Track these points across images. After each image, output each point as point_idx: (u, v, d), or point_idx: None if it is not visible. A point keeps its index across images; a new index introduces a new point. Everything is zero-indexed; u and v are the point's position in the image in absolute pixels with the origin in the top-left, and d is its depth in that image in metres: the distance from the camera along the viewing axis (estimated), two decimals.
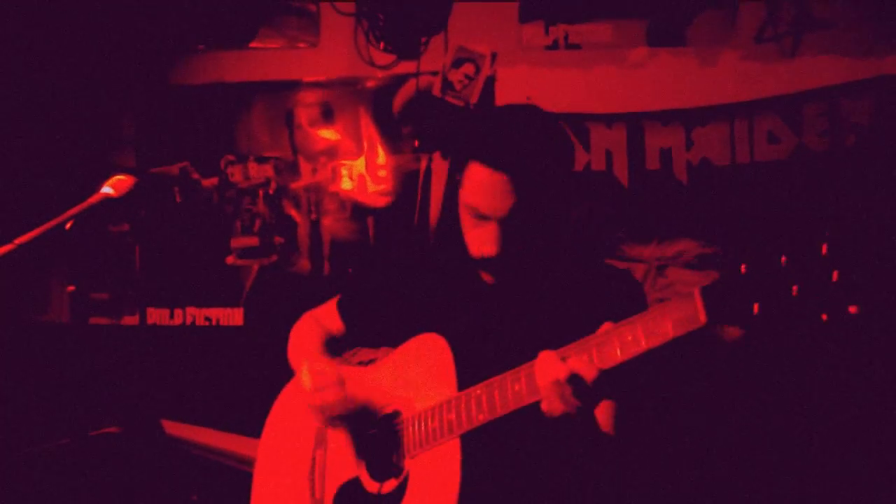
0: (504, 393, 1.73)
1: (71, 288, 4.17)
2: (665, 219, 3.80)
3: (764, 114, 3.76)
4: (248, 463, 2.51)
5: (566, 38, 3.98)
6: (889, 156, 3.59)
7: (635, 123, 3.87)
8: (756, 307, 1.42)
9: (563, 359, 1.64)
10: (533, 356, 1.68)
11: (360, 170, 4.07)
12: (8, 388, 3.78)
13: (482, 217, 1.84)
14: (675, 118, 3.84)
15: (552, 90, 3.93)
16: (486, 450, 1.80)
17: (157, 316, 4.18)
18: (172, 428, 3.47)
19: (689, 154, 3.84)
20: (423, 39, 3.98)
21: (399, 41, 4.00)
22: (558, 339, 1.67)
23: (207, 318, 4.15)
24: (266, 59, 4.21)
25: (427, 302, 2.03)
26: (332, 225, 4.10)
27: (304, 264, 4.12)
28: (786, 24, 3.78)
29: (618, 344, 1.59)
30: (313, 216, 4.12)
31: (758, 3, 3.81)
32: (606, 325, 1.63)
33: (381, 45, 4.02)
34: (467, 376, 1.81)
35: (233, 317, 4.14)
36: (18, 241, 1.86)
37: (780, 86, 3.75)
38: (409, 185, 4.02)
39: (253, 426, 2.34)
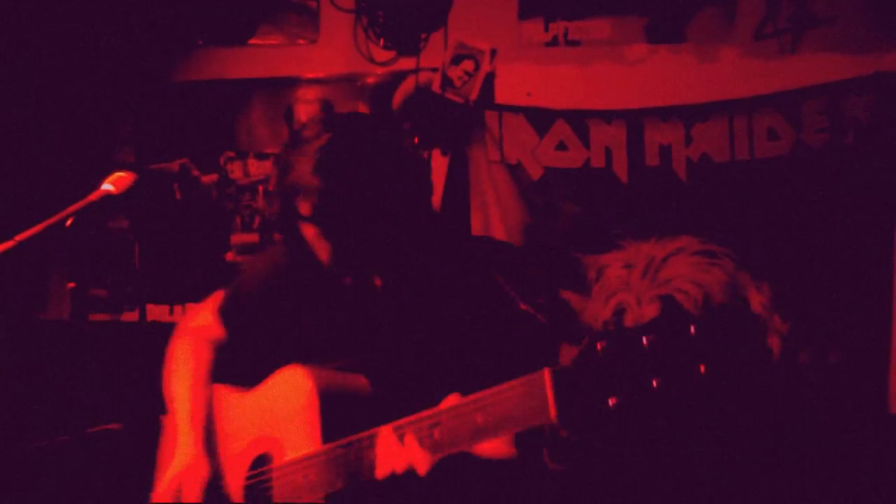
0: (356, 459, 1.60)
1: (71, 284, 4.18)
2: (664, 215, 3.80)
3: (763, 110, 3.75)
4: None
5: (566, 34, 3.98)
6: (888, 153, 3.59)
7: (635, 120, 3.87)
8: (611, 401, 1.28)
9: (401, 437, 1.51)
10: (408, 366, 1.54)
11: None
12: (8, 385, 3.78)
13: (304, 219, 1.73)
14: (674, 115, 3.84)
15: (551, 87, 3.93)
16: None
17: (156, 312, 4.18)
18: None
19: (688, 150, 3.83)
20: (423, 36, 3.98)
21: (398, 37, 4.00)
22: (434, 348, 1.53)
23: None
24: (266, 55, 4.21)
25: (314, 308, 1.90)
26: None
27: None
28: (785, 21, 3.78)
29: (464, 430, 1.44)
30: None
31: (757, 0, 3.80)
32: (452, 398, 1.48)
33: (381, 41, 4.02)
34: (335, 414, 1.67)
35: None
36: (19, 237, 1.86)
37: (780, 82, 3.75)
38: None
39: None
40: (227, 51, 4.21)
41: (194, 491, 1.89)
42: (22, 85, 4.07)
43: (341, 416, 1.64)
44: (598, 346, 1.29)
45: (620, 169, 3.88)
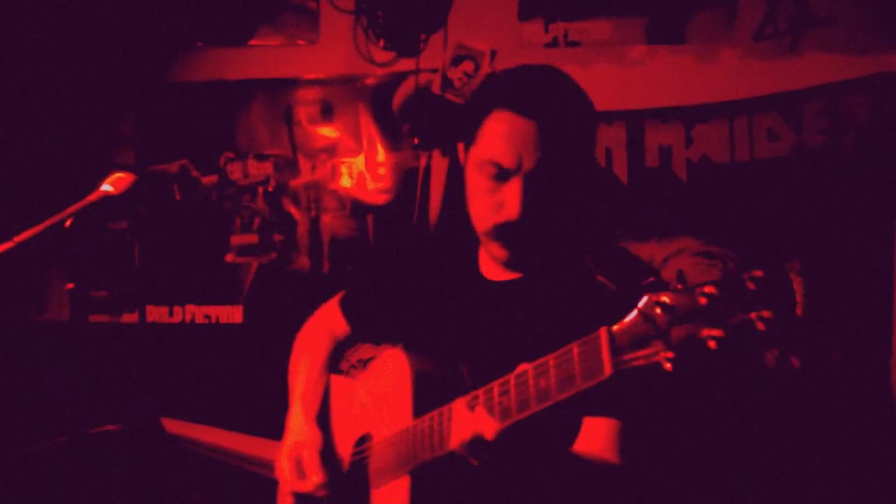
0: (435, 432, 1.64)
1: (70, 286, 4.16)
2: (664, 216, 3.80)
3: (763, 111, 3.75)
4: (249, 461, 2.53)
5: (565, 35, 3.98)
6: (888, 153, 3.59)
7: (635, 121, 3.87)
8: (668, 362, 1.29)
9: (472, 407, 1.55)
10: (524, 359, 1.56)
11: (360, 167, 4.07)
12: (7, 387, 3.78)
13: (503, 174, 1.70)
14: (674, 116, 3.84)
15: None
16: (438, 488, 1.70)
17: (156, 314, 4.18)
18: (172, 426, 3.47)
19: (688, 151, 3.84)
20: (423, 37, 3.98)
21: (398, 38, 4.00)
22: (549, 345, 1.54)
23: (207, 316, 4.15)
24: (265, 56, 4.21)
25: (427, 299, 1.96)
26: (332, 222, 4.10)
27: (303, 262, 4.11)
28: (785, 22, 3.77)
29: (529, 394, 1.47)
30: (313, 214, 4.11)
31: (757, 1, 3.80)
32: (523, 366, 1.51)
33: (381, 42, 4.02)
34: (427, 394, 1.73)
35: (232, 314, 4.14)
36: (18, 238, 1.86)
37: (780, 83, 3.75)
38: (409, 183, 4.02)
39: (252, 423, 2.35)
40: (227, 51, 4.21)
41: (313, 460, 1.97)
42: (21, 85, 4.07)
43: (433, 397, 1.69)
44: (655, 302, 1.31)
45: (620, 170, 3.88)
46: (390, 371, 1.84)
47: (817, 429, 3.51)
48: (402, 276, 2.04)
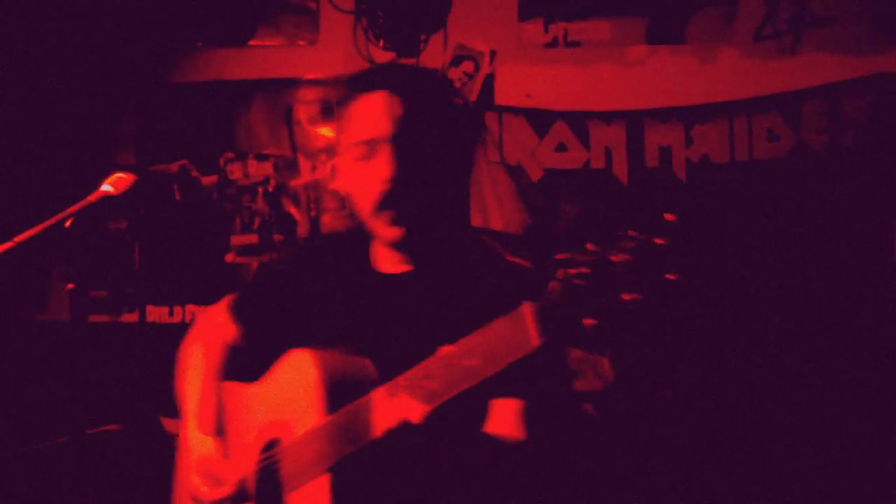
0: (355, 424, 1.62)
1: (70, 286, 4.17)
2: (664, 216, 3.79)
3: (763, 111, 3.76)
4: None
5: (565, 35, 3.98)
6: (888, 153, 3.60)
7: (634, 121, 3.87)
8: (589, 324, 1.35)
9: (393, 394, 1.54)
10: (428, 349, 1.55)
11: None
12: (7, 386, 3.78)
13: (371, 144, 1.77)
14: (674, 116, 3.84)
15: (551, 88, 3.93)
16: (361, 481, 1.67)
17: (156, 314, 4.18)
18: (172, 425, 3.46)
19: (688, 151, 3.84)
20: (423, 37, 3.98)
21: (398, 39, 4.00)
22: (456, 329, 1.54)
23: None
24: (265, 56, 4.21)
25: (321, 298, 1.92)
26: (332, 222, 4.10)
27: None
28: (785, 22, 3.78)
29: (456, 375, 1.48)
30: (312, 214, 4.12)
31: (757, 1, 3.81)
32: (445, 348, 1.52)
33: (381, 42, 4.02)
34: (339, 392, 1.69)
35: None
36: (18, 238, 1.86)
37: (780, 83, 3.75)
38: None
39: None
40: (227, 51, 4.21)
41: (226, 465, 1.93)
42: (21, 85, 4.07)
43: (345, 394, 1.66)
44: (574, 273, 1.35)
45: (620, 170, 3.88)
46: (296, 371, 1.79)
47: (819, 431, 3.52)
48: (292, 278, 1.98)
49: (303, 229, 4.12)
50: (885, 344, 3.52)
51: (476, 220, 3.91)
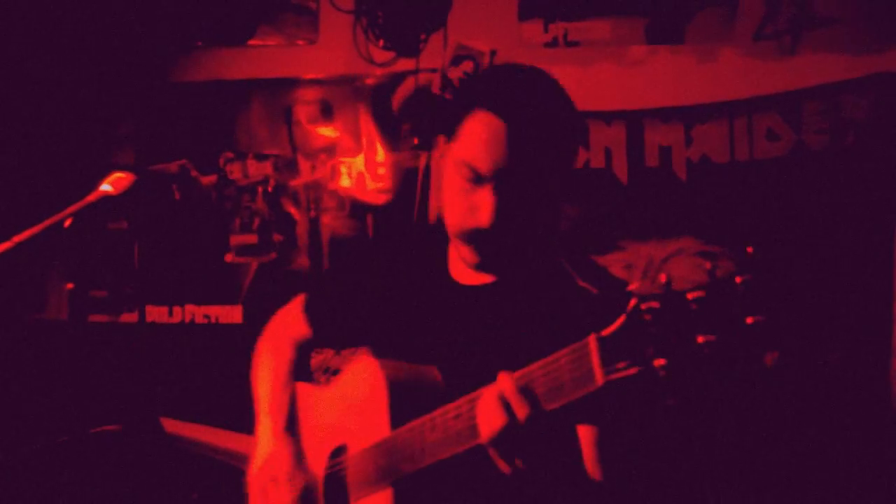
0: (416, 444, 1.59)
1: (70, 286, 4.17)
2: (664, 216, 3.80)
3: (763, 111, 3.76)
4: (249, 461, 2.50)
5: (565, 35, 3.98)
6: (888, 153, 3.59)
7: (635, 121, 3.87)
8: (662, 369, 1.23)
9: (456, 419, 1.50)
10: (494, 369, 1.48)
11: (360, 167, 4.07)
12: (7, 386, 3.77)
13: (477, 178, 1.64)
14: (674, 115, 3.84)
15: None
16: (424, 498, 1.65)
17: (156, 314, 4.18)
18: (171, 426, 3.47)
19: (688, 151, 3.84)
20: (423, 37, 3.98)
21: (398, 38, 4.00)
22: (526, 350, 1.49)
23: (206, 316, 4.15)
24: (265, 56, 4.21)
25: (395, 303, 1.89)
26: (332, 222, 4.10)
27: (303, 262, 4.11)
28: (785, 22, 3.78)
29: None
30: (312, 214, 4.11)
31: (757, 1, 3.80)
32: (503, 375, 1.45)
33: (381, 42, 4.01)
34: (403, 402, 1.67)
35: (232, 314, 4.13)
36: (17, 238, 1.86)
37: (780, 83, 3.75)
38: (409, 183, 4.01)
39: (252, 423, 2.34)
40: (227, 51, 4.21)
41: (285, 480, 1.93)
42: (21, 85, 4.07)
43: (409, 405, 1.65)
44: (644, 309, 1.25)
45: (620, 170, 3.88)
46: (363, 379, 1.78)
47: (816, 430, 3.51)
48: (368, 280, 1.96)
49: (302, 229, 4.12)
50: (886, 344, 3.51)
51: None
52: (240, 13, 4.19)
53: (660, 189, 3.83)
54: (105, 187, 1.98)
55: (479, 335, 1.74)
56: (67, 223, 1.90)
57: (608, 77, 3.92)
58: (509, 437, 1.43)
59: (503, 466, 1.46)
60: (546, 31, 3.98)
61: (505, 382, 1.44)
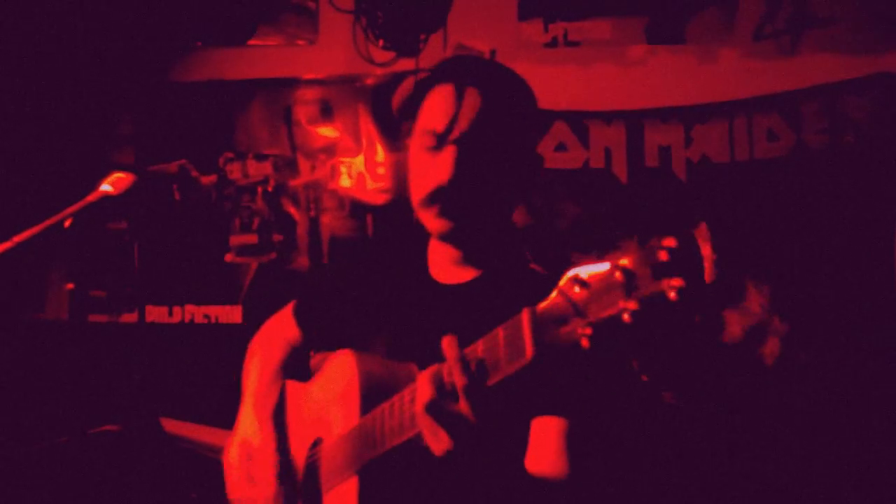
0: (377, 431, 1.62)
1: (70, 286, 4.17)
2: (664, 216, 3.80)
3: (763, 111, 3.76)
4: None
5: (565, 35, 3.98)
6: (888, 153, 3.60)
7: (634, 121, 3.87)
8: (586, 338, 1.24)
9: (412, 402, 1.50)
10: None
11: (360, 167, 4.07)
12: (7, 386, 3.77)
13: (439, 140, 1.73)
14: (674, 116, 3.84)
15: (551, 87, 3.89)
16: (387, 485, 1.67)
17: (155, 313, 4.18)
18: (171, 425, 3.46)
19: (688, 151, 3.84)
20: (423, 37, 3.98)
21: (398, 38, 4.00)
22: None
23: (206, 316, 4.15)
24: (265, 56, 4.21)
25: (376, 304, 1.93)
26: (331, 222, 4.10)
27: (302, 262, 4.11)
28: (785, 22, 3.78)
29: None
30: (312, 214, 4.11)
31: (757, 1, 3.81)
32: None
33: (380, 42, 4.01)
34: (375, 394, 1.69)
35: (232, 314, 4.13)
36: (17, 238, 1.86)
37: (780, 83, 3.75)
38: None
39: None
40: (227, 51, 4.21)
41: (267, 467, 1.98)
42: (20, 85, 4.07)
43: (382, 397, 1.66)
44: (575, 283, 1.27)
45: (620, 170, 3.88)
46: (339, 372, 1.82)
47: (816, 430, 3.51)
48: (353, 282, 2.01)
49: (302, 229, 4.12)
50: (886, 344, 3.51)
51: None
52: (240, 13, 4.19)
53: (660, 189, 3.83)
54: (105, 187, 1.98)
55: (456, 333, 1.73)
56: (67, 223, 1.90)
57: (608, 77, 3.92)
58: (435, 411, 1.45)
59: (432, 444, 1.47)
60: (546, 30, 3.98)
61: (446, 352, 1.46)
